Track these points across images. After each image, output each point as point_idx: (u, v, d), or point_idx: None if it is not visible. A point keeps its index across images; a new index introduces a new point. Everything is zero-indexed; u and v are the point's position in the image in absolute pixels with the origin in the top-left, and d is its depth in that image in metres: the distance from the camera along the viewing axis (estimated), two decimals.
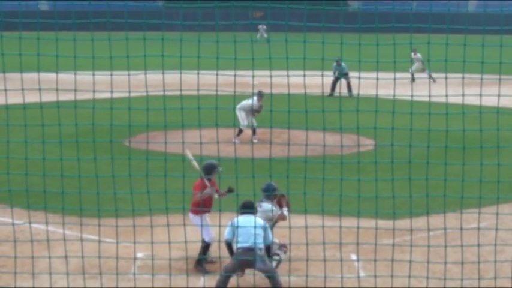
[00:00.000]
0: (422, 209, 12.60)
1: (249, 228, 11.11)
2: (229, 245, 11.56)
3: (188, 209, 13.06)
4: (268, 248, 11.66)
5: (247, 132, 25.22)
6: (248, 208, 11.66)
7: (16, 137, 11.78)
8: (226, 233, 11.56)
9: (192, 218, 13.17)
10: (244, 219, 11.37)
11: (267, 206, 12.46)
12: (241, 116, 24.74)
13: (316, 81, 11.54)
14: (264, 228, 11.45)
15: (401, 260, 11.60)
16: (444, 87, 10.96)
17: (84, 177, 10.79)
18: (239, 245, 11.26)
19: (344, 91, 36.42)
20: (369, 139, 22.45)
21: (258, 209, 12.24)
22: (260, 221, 11.55)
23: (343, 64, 37.36)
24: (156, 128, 19.42)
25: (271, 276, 11.26)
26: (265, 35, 68.45)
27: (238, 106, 24.36)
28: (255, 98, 24.35)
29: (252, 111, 24.59)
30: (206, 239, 13.03)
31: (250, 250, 11.16)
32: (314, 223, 11.26)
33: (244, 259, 11.12)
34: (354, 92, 36.37)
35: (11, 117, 10.98)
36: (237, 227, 11.25)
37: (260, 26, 70.63)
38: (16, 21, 10.49)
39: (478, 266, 11.06)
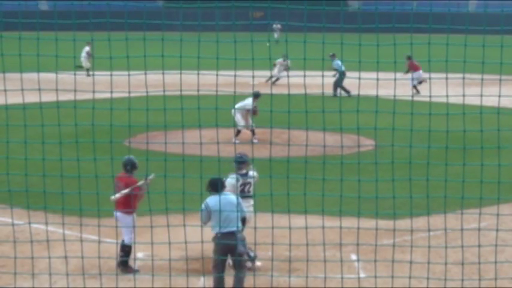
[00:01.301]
0: (422, 209, 12.59)
1: (226, 211, 10.93)
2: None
3: (188, 209, 13.00)
4: (244, 220, 11.75)
5: (247, 132, 25.23)
6: (216, 186, 11.38)
7: (16, 137, 11.76)
8: (202, 218, 11.33)
9: (122, 217, 12.73)
10: (217, 201, 11.01)
11: (230, 180, 12.61)
12: (237, 117, 24.74)
13: (316, 81, 11.52)
14: (238, 205, 11.34)
15: (401, 260, 11.60)
16: (444, 87, 10.96)
17: (84, 177, 10.78)
18: (218, 230, 11.15)
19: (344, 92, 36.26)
20: (369, 139, 22.44)
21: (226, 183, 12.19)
22: (233, 199, 11.41)
23: (337, 61, 35.11)
24: (156, 128, 19.41)
25: (240, 275, 11.27)
26: (276, 36, 68.20)
27: (236, 106, 24.32)
28: (250, 98, 24.37)
29: (248, 112, 24.69)
30: (126, 241, 12.78)
31: (231, 234, 11.13)
32: (314, 223, 11.24)
33: (225, 244, 11.07)
34: (354, 92, 36.22)
35: (10, 117, 10.98)
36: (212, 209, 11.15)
37: (275, 26, 69.97)
38: (16, 21, 10.47)
39: (478, 267, 11.06)
